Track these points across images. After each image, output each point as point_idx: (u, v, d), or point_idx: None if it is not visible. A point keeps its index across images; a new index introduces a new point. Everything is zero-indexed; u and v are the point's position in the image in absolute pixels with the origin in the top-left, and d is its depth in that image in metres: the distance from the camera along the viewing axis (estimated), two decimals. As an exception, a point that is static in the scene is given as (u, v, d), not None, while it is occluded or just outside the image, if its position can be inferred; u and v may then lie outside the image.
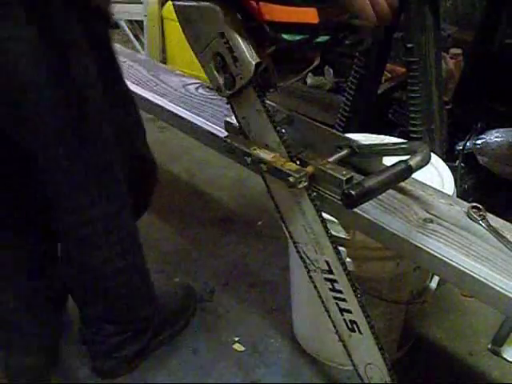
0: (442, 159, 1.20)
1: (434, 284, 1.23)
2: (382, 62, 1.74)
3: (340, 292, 0.97)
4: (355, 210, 0.94)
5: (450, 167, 1.17)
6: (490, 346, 1.33)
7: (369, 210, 0.94)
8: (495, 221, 0.91)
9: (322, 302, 1.02)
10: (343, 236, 1.06)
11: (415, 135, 1.51)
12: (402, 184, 0.99)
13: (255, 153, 0.95)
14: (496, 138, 1.54)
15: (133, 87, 1.36)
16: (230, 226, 1.77)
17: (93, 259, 1.16)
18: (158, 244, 1.69)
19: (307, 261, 1.00)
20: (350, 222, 1.00)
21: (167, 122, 1.32)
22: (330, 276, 0.97)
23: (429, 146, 1.25)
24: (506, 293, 0.79)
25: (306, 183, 0.91)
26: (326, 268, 0.97)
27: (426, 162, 0.88)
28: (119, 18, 2.71)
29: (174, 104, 1.28)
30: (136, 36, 2.87)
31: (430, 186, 1.01)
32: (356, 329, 0.98)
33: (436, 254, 0.85)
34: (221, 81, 0.97)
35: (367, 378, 1.02)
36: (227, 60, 0.93)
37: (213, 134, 1.18)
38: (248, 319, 1.43)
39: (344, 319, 0.99)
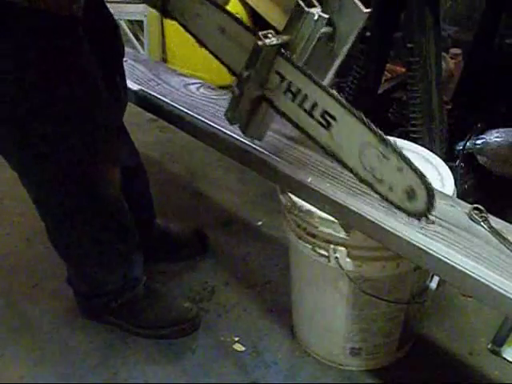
0: (442, 159, 1.20)
1: (433, 284, 1.23)
2: (382, 62, 1.74)
3: (299, 91, 0.89)
4: (357, 210, 0.94)
5: (450, 167, 1.17)
6: (489, 346, 1.33)
7: (370, 211, 0.94)
8: (497, 222, 0.92)
9: (298, 126, 0.92)
10: (343, 236, 1.07)
11: (415, 135, 1.51)
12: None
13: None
14: (496, 137, 1.53)
15: (133, 86, 1.37)
16: (230, 226, 1.77)
17: None
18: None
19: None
20: (351, 222, 1.00)
21: (168, 121, 1.32)
22: (292, 88, 0.89)
23: (429, 146, 1.24)
24: (507, 294, 0.79)
25: (279, 40, 0.88)
26: (294, 90, 0.89)
27: None
28: (119, 18, 2.71)
29: (176, 104, 1.27)
30: (136, 36, 2.87)
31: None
32: (331, 119, 0.86)
33: (438, 256, 0.85)
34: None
35: (367, 165, 0.86)
36: None
37: (214, 133, 1.18)
38: (248, 319, 1.43)
39: (316, 120, 0.88)
